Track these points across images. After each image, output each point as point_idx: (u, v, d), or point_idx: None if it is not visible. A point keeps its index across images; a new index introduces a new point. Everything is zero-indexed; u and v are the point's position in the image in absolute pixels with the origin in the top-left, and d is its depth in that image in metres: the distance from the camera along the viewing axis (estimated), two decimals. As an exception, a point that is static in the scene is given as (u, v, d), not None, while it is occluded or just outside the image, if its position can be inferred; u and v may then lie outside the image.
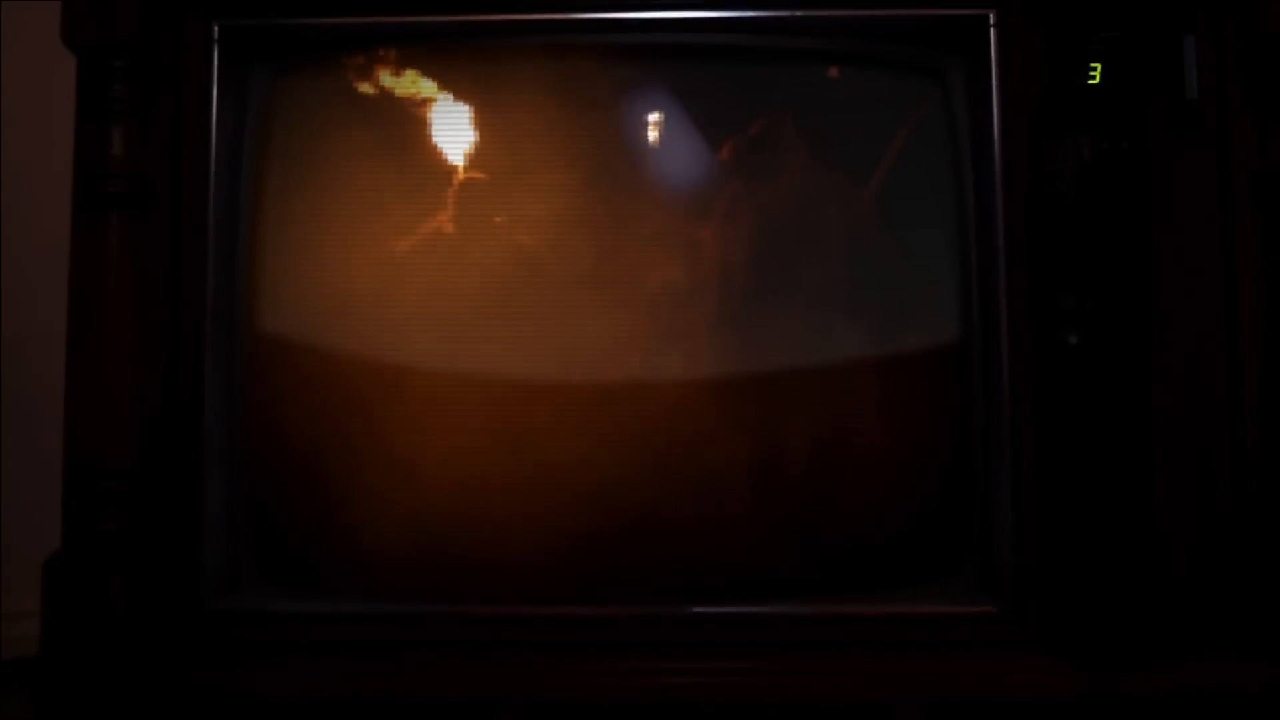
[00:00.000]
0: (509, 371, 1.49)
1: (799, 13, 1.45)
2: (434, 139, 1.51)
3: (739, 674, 1.39)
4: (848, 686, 1.39)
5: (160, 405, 1.44)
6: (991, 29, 1.43)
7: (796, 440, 1.49)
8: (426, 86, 1.50)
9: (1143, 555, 1.33)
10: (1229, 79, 1.43)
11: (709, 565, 1.48)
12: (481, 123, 1.51)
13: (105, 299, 1.41)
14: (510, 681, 1.39)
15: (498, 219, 1.51)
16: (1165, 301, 1.41)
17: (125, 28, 1.40)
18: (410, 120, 1.51)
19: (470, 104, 1.51)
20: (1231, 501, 1.40)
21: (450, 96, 1.51)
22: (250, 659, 1.41)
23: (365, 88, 1.51)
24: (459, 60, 1.52)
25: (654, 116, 1.50)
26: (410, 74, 1.51)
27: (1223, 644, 1.38)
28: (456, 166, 1.51)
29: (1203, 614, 1.38)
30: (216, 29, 1.45)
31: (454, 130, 1.51)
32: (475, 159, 1.51)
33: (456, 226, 1.50)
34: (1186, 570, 1.38)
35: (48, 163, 2.05)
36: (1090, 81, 1.39)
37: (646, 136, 1.51)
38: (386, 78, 1.51)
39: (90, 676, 1.37)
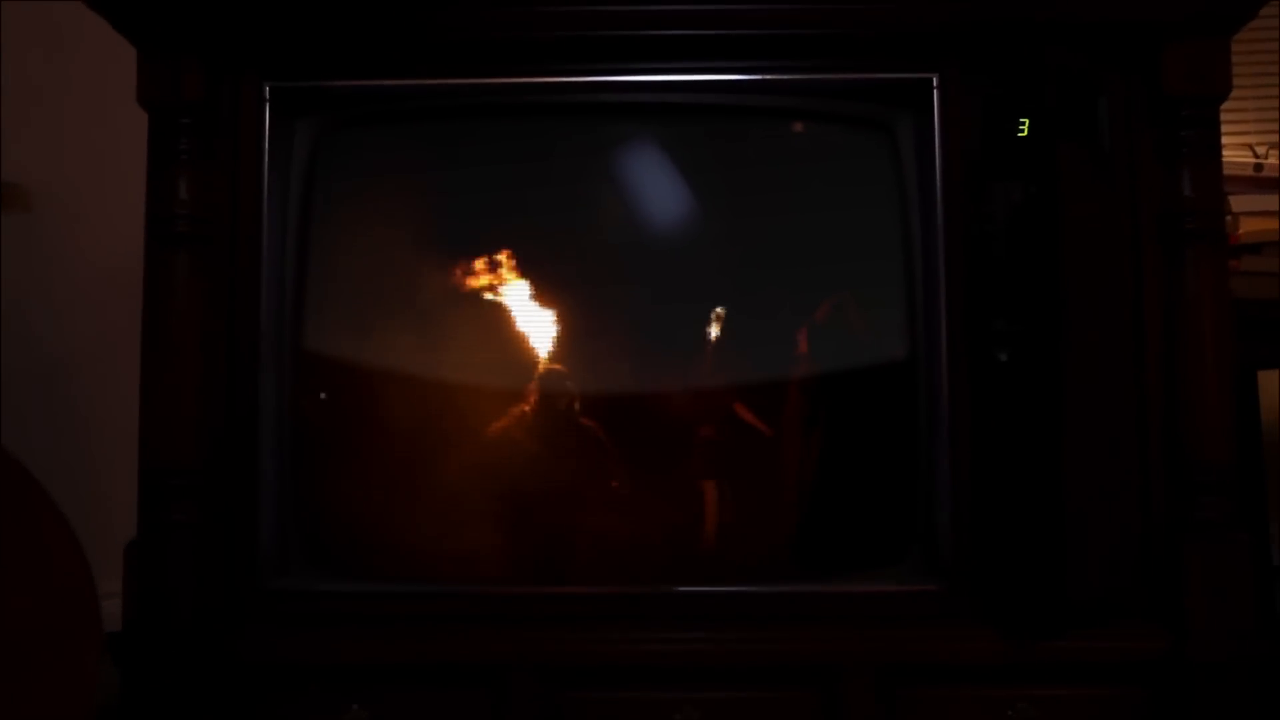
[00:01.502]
0: (522, 387, 1.67)
1: (769, 76, 1.60)
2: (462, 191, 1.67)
3: (716, 642, 1.54)
4: (810, 653, 1.53)
5: (221, 411, 1.57)
6: (935, 90, 1.57)
7: (778, 448, 1.68)
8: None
9: (1055, 540, 1.48)
10: (1137, 133, 1.56)
11: (694, 556, 1.65)
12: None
13: (174, 322, 1.55)
14: (522, 648, 1.54)
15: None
16: (1084, 323, 1.53)
17: (191, 90, 1.55)
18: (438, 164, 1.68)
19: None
20: (1137, 493, 1.54)
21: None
22: (299, 631, 1.56)
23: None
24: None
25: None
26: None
27: (1130, 616, 1.53)
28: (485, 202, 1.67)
29: (1113, 590, 1.53)
30: (268, 89, 1.59)
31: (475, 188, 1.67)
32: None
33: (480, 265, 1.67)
34: (1100, 552, 1.52)
35: (51, 170, 2.21)
36: (1019, 135, 1.52)
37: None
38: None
39: (166, 646, 1.52)
